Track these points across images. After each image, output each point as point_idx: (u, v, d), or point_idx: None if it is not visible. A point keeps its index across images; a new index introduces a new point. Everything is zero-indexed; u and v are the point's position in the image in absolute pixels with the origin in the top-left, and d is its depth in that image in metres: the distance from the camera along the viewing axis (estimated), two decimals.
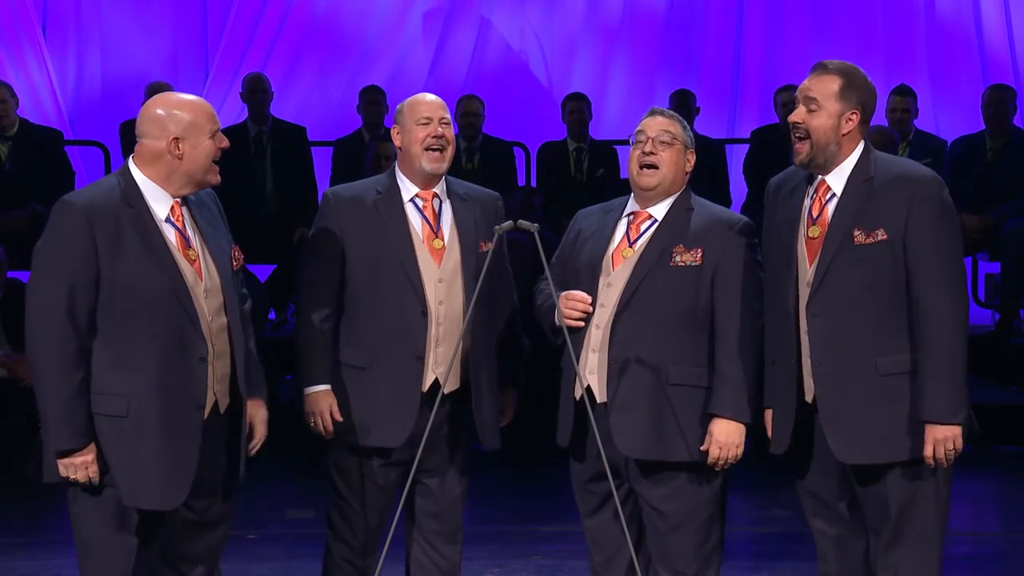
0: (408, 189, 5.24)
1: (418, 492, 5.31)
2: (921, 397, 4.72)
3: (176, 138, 4.64)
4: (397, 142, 5.26)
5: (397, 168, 5.28)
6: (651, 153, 5.00)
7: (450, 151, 5.22)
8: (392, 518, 5.14)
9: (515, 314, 5.41)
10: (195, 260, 4.67)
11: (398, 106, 5.30)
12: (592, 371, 5.00)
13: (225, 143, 4.72)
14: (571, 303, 5.00)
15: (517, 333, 5.45)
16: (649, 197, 5.05)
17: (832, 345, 4.76)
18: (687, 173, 5.09)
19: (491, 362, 5.28)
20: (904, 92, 11.06)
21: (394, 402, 5.15)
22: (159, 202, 4.65)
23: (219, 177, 4.72)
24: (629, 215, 5.09)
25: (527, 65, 13.13)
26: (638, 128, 5.06)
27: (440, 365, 5.17)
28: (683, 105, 11.26)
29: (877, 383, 4.74)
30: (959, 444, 4.73)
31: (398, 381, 5.15)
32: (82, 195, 4.65)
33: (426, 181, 5.23)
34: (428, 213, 5.22)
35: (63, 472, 4.59)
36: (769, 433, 4.99)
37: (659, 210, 5.06)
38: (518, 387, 5.47)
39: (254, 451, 4.88)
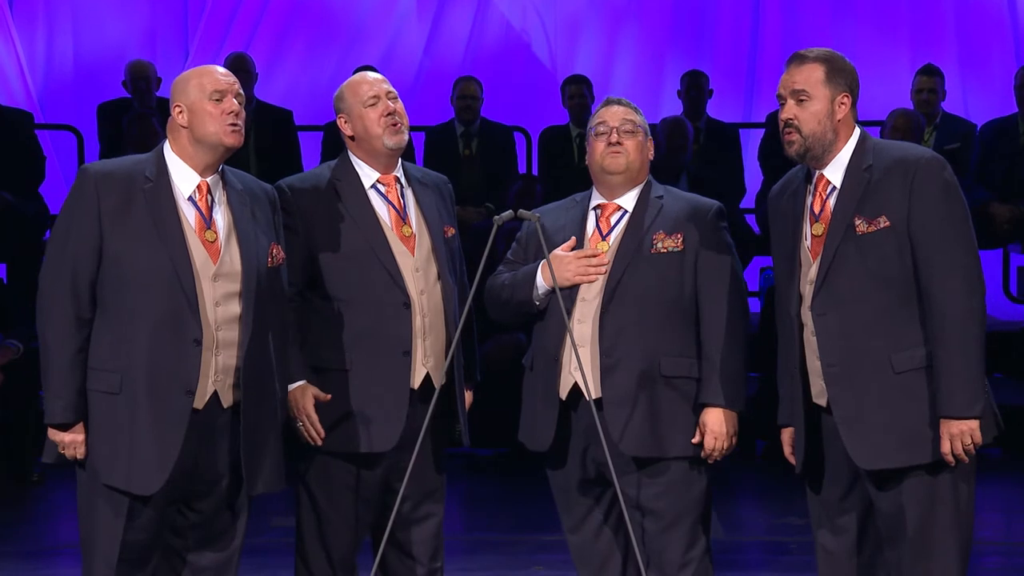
0: (368, 175, 5.24)
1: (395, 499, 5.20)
2: (936, 392, 4.70)
3: (178, 105, 4.79)
4: (347, 131, 5.25)
5: (351, 155, 5.27)
6: (617, 143, 5.11)
7: (406, 123, 5.25)
8: (385, 531, 5.07)
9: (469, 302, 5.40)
10: (213, 242, 4.76)
11: (336, 93, 5.30)
12: (577, 368, 5.01)
13: (234, 107, 4.78)
14: (586, 261, 5.07)
15: (473, 323, 5.47)
16: (615, 184, 5.13)
17: (843, 343, 4.76)
18: (648, 161, 5.20)
19: (462, 354, 5.33)
20: (931, 72, 11.05)
21: (383, 403, 5.14)
22: (184, 180, 4.80)
23: (234, 137, 4.77)
24: (596, 208, 5.17)
25: (529, 45, 13.15)
26: (597, 120, 5.17)
27: (429, 359, 5.18)
28: (695, 87, 11.27)
29: (894, 381, 4.74)
30: (977, 438, 4.70)
31: (386, 380, 5.14)
32: (103, 163, 4.87)
33: (387, 164, 5.24)
34: (393, 199, 5.23)
35: (59, 446, 4.73)
36: (787, 452, 5.03)
37: (627, 200, 5.16)
38: (475, 381, 5.49)
39: None
